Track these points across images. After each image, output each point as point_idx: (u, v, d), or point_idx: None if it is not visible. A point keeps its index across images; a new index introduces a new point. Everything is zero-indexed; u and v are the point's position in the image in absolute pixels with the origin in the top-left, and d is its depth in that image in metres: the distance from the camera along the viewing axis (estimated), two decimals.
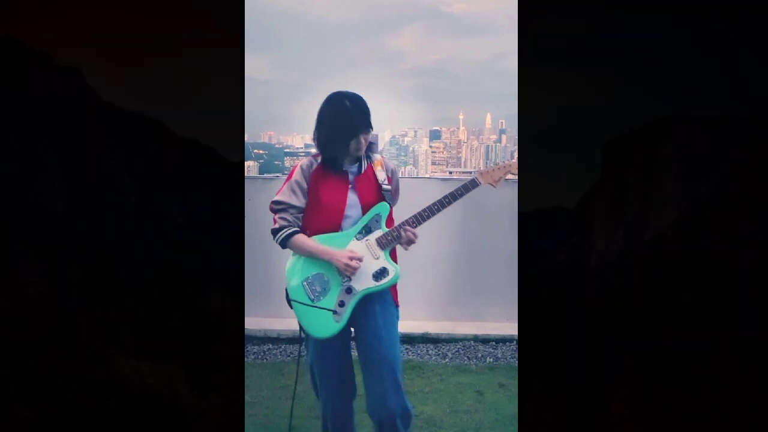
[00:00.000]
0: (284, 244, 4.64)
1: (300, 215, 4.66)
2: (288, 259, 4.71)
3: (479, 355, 8.25)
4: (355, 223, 4.63)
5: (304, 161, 4.74)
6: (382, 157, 4.89)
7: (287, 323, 7.44)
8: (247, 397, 6.55)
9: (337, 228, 4.62)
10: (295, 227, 4.62)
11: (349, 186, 4.66)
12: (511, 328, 8.63)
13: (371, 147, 4.72)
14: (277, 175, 10.55)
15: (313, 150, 4.75)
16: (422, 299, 8.78)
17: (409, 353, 8.24)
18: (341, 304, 4.54)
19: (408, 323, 7.25)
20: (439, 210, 4.60)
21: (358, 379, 4.74)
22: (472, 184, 4.66)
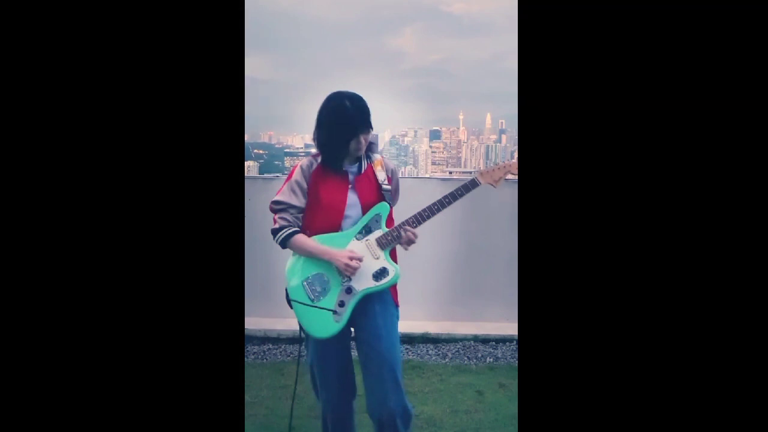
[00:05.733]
0: (284, 244, 4.62)
1: (300, 215, 4.64)
2: (288, 259, 4.70)
3: (479, 355, 8.24)
4: (355, 223, 4.61)
5: (304, 161, 4.72)
6: (382, 157, 4.86)
7: (287, 323, 7.44)
8: (247, 397, 6.54)
9: (337, 228, 4.60)
10: (295, 227, 4.60)
11: (349, 186, 4.64)
12: (511, 328, 8.63)
13: (371, 147, 4.69)
14: (277, 175, 10.55)
15: (313, 150, 4.72)
16: (422, 299, 8.78)
17: (409, 353, 8.23)
18: (341, 304, 4.53)
19: (408, 323, 7.24)
20: (439, 210, 4.58)
21: (358, 379, 4.73)
22: (472, 184, 4.64)
